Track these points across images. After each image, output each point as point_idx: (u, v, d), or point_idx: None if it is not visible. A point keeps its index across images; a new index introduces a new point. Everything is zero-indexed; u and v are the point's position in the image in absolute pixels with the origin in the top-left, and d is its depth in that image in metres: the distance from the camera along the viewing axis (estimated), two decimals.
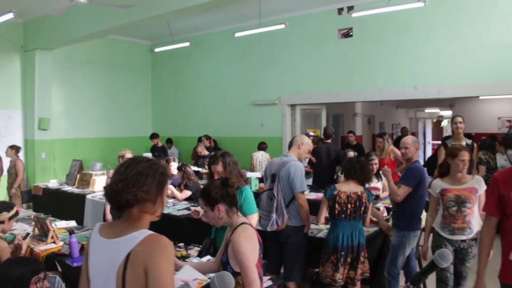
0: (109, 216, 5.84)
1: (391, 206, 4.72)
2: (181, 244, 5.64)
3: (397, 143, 10.24)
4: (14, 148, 8.52)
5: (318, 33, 9.60)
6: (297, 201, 4.22)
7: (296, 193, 4.21)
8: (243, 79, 10.95)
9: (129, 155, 5.93)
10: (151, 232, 1.77)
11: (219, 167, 3.75)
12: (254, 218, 3.68)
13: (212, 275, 2.26)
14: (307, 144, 4.50)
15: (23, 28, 10.33)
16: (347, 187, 4.16)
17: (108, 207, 5.94)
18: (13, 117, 10.36)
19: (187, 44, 10.33)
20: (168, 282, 1.66)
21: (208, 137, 10.50)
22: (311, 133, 9.46)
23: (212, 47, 11.56)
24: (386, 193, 5.75)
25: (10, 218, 4.09)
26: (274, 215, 4.18)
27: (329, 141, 7.75)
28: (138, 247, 1.70)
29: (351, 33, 9.18)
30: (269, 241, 4.36)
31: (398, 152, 7.05)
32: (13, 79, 10.31)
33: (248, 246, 2.54)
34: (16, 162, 8.40)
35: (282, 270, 4.46)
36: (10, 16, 7.46)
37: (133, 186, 1.76)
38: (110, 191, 1.80)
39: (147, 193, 1.78)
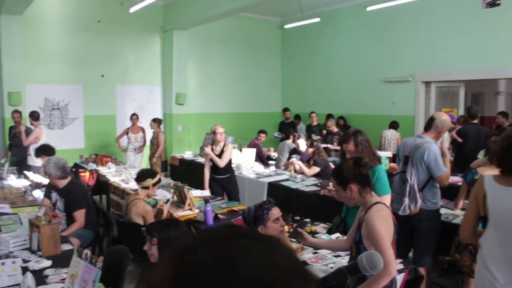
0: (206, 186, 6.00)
1: None
2: (308, 220, 5.67)
3: None
4: (157, 121, 9.23)
5: (458, 3, 8.83)
6: (439, 184, 3.96)
7: (437, 178, 3.93)
8: (374, 55, 10.54)
9: (220, 129, 5.94)
10: None
11: (351, 146, 3.65)
12: (387, 198, 3.53)
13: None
14: (447, 127, 4.14)
15: (163, 10, 11.05)
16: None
17: (207, 183, 6.07)
18: (154, 93, 11.24)
19: (317, 19, 10.18)
20: None
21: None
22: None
23: (343, 22, 11.28)
24: None
25: (154, 185, 4.44)
26: (406, 200, 3.95)
27: (475, 121, 7.12)
28: None
29: (498, 1, 8.29)
30: (399, 223, 4.18)
31: None
32: (154, 57, 11.15)
33: (383, 226, 2.45)
34: (158, 134, 9.11)
35: (410, 255, 4.26)
36: None
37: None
38: (499, 159, 2.42)
39: None
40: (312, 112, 10.62)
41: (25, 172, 6.58)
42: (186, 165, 8.67)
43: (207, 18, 9.65)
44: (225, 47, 12.04)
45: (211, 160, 5.98)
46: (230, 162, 6.08)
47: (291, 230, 3.85)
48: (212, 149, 5.99)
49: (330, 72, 11.71)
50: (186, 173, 8.45)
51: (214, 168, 6.00)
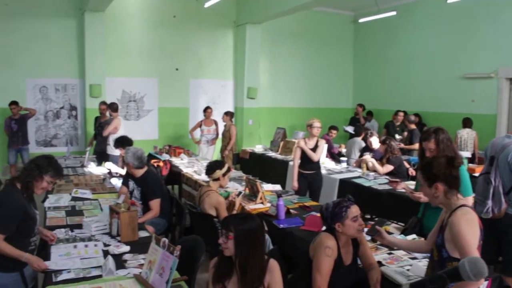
0: (295, 184, 5.96)
1: None
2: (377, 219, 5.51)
3: None
4: (229, 114, 9.36)
5: None
6: None
7: None
8: (453, 49, 10.03)
9: (317, 123, 5.87)
10: None
11: (431, 144, 3.49)
12: (469, 200, 3.35)
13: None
14: None
15: (236, 4, 11.17)
16: None
17: (296, 176, 6.01)
18: (225, 86, 11.42)
19: (393, 13, 9.86)
20: None
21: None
22: None
23: (421, 15, 10.84)
24: None
25: (224, 175, 4.47)
26: (489, 202, 3.71)
27: None
28: None
29: None
30: (486, 228, 3.93)
31: None
32: (226, 52, 11.31)
33: (470, 230, 2.30)
34: (230, 127, 9.24)
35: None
36: None
37: None
38: None
39: None
40: (399, 110, 9.97)
41: (107, 162, 6.86)
42: (256, 158, 8.73)
43: (280, 12, 9.63)
44: (296, 42, 11.98)
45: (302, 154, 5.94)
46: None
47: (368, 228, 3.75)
48: (305, 143, 5.96)
49: (405, 68, 11.32)
50: (256, 166, 8.51)
51: (302, 163, 5.96)
